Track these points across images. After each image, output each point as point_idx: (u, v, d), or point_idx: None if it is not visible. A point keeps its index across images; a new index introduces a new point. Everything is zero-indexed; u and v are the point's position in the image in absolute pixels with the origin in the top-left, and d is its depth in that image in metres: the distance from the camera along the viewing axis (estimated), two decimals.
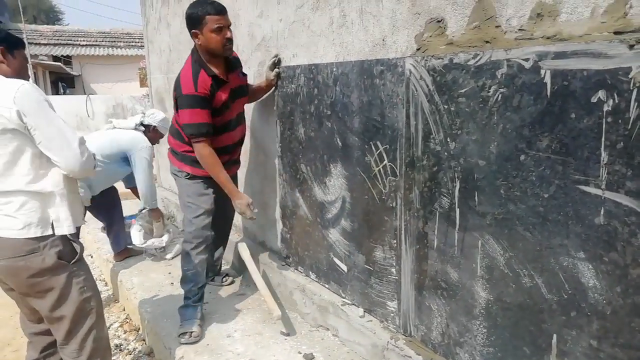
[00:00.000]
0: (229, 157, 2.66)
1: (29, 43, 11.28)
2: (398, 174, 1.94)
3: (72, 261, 1.80)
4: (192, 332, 2.42)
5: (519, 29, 1.45)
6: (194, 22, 2.34)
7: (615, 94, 1.21)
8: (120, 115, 10.95)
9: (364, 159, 2.11)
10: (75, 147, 1.71)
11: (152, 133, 3.54)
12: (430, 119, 1.74)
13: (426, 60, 1.73)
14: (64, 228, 1.76)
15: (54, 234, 1.74)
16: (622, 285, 1.26)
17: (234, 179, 2.87)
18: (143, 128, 3.49)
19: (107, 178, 3.29)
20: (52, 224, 1.74)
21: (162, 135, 3.63)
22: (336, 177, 2.32)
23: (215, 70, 2.42)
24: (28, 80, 1.76)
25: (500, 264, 1.57)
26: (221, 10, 2.34)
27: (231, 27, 2.43)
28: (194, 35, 2.38)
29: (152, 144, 3.49)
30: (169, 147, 2.72)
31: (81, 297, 1.83)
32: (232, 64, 2.58)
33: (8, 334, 2.59)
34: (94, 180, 3.14)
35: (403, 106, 1.86)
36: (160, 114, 3.64)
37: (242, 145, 2.79)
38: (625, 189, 1.22)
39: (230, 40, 2.40)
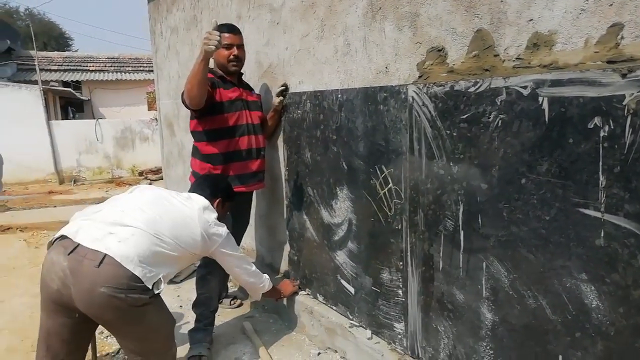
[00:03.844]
0: (243, 166, 2.67)
1: (40, 69, 11.51)
2: (403, 196, 1.98)
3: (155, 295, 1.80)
4: (201, 355, 2.44)
5: (517, 58, 1.51)
6: None
7: (610, 120, 1.26)
8: (128, 139, 11.10)
9: (369, 182, 2.16)
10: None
11: None
12: (434, 144, 1.79)
13: (428, 87, 1.79)
14: (161, 287, 1.78)
15: (152, 290, 1.73)
16: (625, 306, 1.29)
17: (250, 198, 2.98)
18: None
19: None
20: (155, 283, 1.75)
21: None
22: (342, 200, 2.37)
23: (227, 78, 2.65)
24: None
25: (504, 286, 1.60)
26: (232, 30, 2.65)
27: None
28: None
29: None
30: (191, 170, 2.75)
31: (162, 322, 1.86)
32: (247, 86, 2.85)
33: (18, 358, 2.65)
34: None
35: (406, 131, 1.91)
36: None
37: (261, 160, 2.77)
38: (624, 212, 1.26)
39: (237, 58, 2.65)
